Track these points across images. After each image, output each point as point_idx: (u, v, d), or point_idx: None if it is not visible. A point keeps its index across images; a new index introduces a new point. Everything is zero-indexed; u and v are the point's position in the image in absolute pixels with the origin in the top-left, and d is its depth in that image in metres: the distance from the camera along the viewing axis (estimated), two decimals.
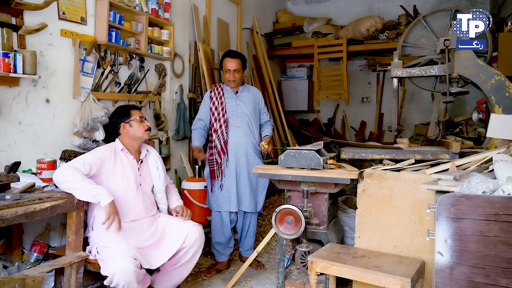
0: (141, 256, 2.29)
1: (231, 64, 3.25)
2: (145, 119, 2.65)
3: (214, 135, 3.28)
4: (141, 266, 2.27)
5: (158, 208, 2.77)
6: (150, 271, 2.48)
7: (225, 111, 3.28)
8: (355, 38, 6.25)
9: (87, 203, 2.37)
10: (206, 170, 3.36)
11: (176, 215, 2.69)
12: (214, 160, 3.26)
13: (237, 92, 3.35)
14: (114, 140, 2.64)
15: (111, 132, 2.66)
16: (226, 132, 3.26)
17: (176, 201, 2.79)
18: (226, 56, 3.31)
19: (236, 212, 3.34)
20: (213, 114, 3.30)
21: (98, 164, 2.42)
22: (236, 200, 3.25)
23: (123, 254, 2.20)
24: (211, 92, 3.38)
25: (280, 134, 5.81)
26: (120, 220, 2.34)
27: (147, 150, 2.72)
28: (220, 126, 3.26)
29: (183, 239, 2.50)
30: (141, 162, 2.66)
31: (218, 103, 3.30)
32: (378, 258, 2.35)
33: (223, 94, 3.33)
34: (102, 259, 2.29)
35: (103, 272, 2.26)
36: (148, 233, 2.52)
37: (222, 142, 3.25)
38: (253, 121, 3.34)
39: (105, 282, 2.22)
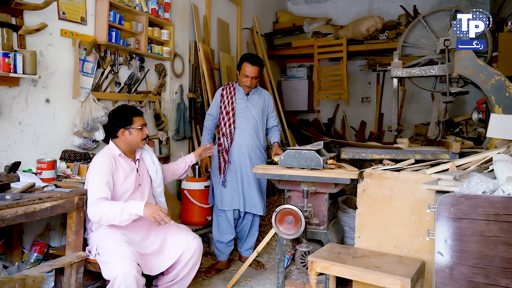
0: (141, 262, 2.27)
1: (251, 70, 3.19)
2: (145, 125, 2.57)
3: (222, 138, 3.31)
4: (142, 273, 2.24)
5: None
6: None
7: (235, 112, 3.29)
8: (355, 38, 6.25)
9: (86, 204, 2.36)
10: (214, 164, 3.38)
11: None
12: (221, 157, 3.29)
13: (248, 94, 3.34)
14: (109, 138, 2.58)
15: (109, 133, 2.57)
16: (233, 134, 3.28)
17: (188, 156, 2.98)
18: (247, 60, 3.22)
19: (239, 212, 3.35)
20: (222, 118, 3.31)
21: (111, 180, 2.41)
22: (243, 200, 3.27)
23: (125, 257, 2.18)
24: (223, 90, 3.38)
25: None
26: (164, 210, 2.33)
27: (141, 148, 2.68)
28: (230, 131, 3.28)
29: (181, 251, 2.46)
30: (138, 161, 2.64)
31: (228, 102, 3.30)
32: (378, 258, 2.35)
33: (234, 94, 3.33)
34: (103, 261, 2.27)
35: (104, 275, 2.24)
36: (148, 240, 2.47)
37: (228, 142, 3.27)
38: (260, 124, 3.34)
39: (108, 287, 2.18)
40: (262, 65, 3.31)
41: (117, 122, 2.50)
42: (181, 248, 2.47)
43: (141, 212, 2.27)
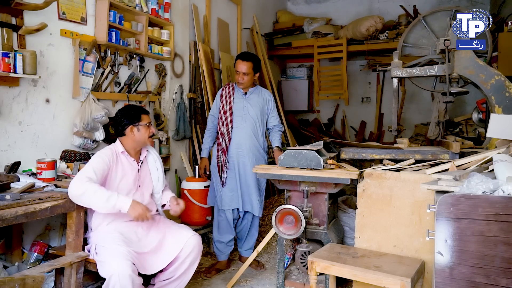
0: (138, 261, 2.26)
1: (241, 66, 3.24)
2: (151, 124, 2.62)
3: (221, 138, 3.32)
4: (138, 273, 2.23)
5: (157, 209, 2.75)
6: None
7: (232, 111, 3.29)
8: (355, 38, 6.25)
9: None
10: (213, 163, 3.39)
11: (175, 207, 2.64)
12: (220, 157, 3.31)
13: (246, 93, 3.35)
14: (117, 137, 2.61)
15: (117, 131, 2.59)
16: (230, 133, 3.28)
17: (169, 194, 2.75)
18: (238, 58, 3.30)
19: (238, 212, 3.36)
20: (220, 118, 3.33)
21: (106, 170, 2.41)
22: (241, 200, 3.27)
23: (121, 256, 2.18)
24: (222, 90, 3.42)
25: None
26: (149, 211, 2.36)
27: (147, 151, 2.70)
28: (227, 130, 3.29)
29: (180, 247, 2.45)
30: (141, 163, 2.65)
31: (226, 102, 3.32)
32: (378, 258, 2.35)
33: (233, 94, 3.35)
34: (100, 260, 2.28)
35: (101, 273, 2.24)
36: (147, 239, 2.47)
37: (226, 141, 3.28)
38: (258, 124, 3.34)
39: (103, 286, 2.18)
40: (256, 61, 3.31)
41: (125, 119, 2.54)
42: (180, 245, 2.47)
43: (126, 210, 2.25)
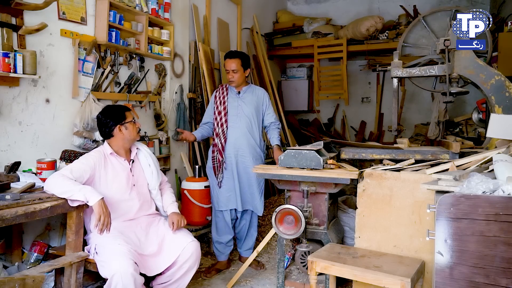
0: (138, 261, 2.26)
1: (230, 64, 3.26)
2: (135, 119, 2.65)
3: (216, 139, 3.32)
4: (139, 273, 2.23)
5: (156, 207, 2.74)
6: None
7: (227, 111, 3.29)
8: (355, 38, 6.25)
9: (86, 205, 2.35)
10: (209, 164, 3.38)
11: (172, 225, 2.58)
12: (216, 157, 3.30)
13: (239, 92, 3.35)
14: (104, 139, 2.62)
15: (104, 133, 2.58)
16: (226, 133, 3.28)
17: (171, 206, 2.71)
18: (226, 57, 3.32)
19: (236, 213, 3.35)
20: (215, 118, 3.33)
21: (89, 171, 2.39)
22: (240, 200, 3.27)
23: (122, 255, 2.18)
24: (216, 92, 3.42)
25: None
26: (110, 222, 2.27)
27: (137, 148, 2.71)
28: (223, 130, 3.28)
29: (178, 252, 2.44)
30: (133, 161, 2.65)
31: (220, 103, 3.32)
32: (378, 258, 2.35)
33: (226, 94, 3.35)
34: (100, 260, 2.27)
35: (102, 273, 2.24)
36: (146, 241, 2.47)
37: (222, 141, 3.27)
38: (254, 122, 3.33)
39: (105, 286, 2.18)
40: (244, 57, 3.32)
41: (110, 121, 2.54)
42: (178, 250, 2.45)
43: (92, 202, 2.21)
